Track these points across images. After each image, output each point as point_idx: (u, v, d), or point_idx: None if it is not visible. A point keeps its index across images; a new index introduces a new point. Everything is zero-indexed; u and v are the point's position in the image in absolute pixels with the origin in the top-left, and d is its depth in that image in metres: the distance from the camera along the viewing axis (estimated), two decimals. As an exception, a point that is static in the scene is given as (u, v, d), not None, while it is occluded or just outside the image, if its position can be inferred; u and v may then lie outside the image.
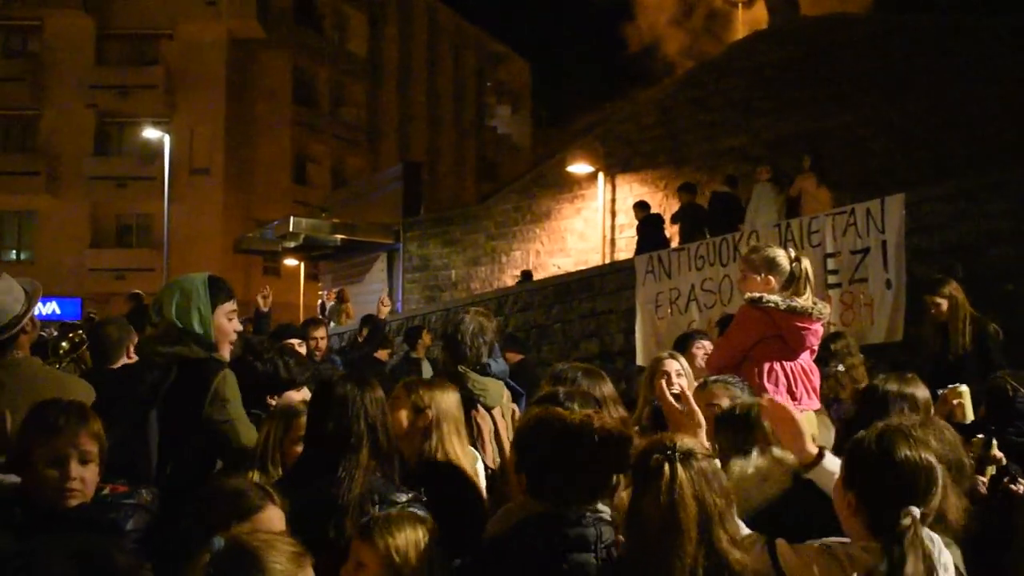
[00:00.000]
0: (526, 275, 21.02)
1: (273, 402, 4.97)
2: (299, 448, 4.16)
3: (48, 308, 36.47)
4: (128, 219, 43.24)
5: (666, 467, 3.03)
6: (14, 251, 43.59)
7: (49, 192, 41.87)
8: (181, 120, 40.96)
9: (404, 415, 4.42)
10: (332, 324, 21.99)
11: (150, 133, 35.67)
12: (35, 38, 42.99)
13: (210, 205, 41.66)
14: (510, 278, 23.94)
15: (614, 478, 3.39)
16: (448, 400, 4.51)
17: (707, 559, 2.98)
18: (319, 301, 26.34)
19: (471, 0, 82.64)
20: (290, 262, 34.79)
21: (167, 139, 32.96)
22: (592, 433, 3.33)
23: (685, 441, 3.14)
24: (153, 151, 38.86)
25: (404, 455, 4.21)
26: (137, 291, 18.17)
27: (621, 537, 3.28)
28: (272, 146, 45.00)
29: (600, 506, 3.37)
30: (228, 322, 4.43)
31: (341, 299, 22.64)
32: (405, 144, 52.47)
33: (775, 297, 5.43)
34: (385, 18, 52.31)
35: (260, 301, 10.14)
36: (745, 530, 3.23)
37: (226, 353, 4.41)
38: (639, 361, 13.02)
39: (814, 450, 3.56)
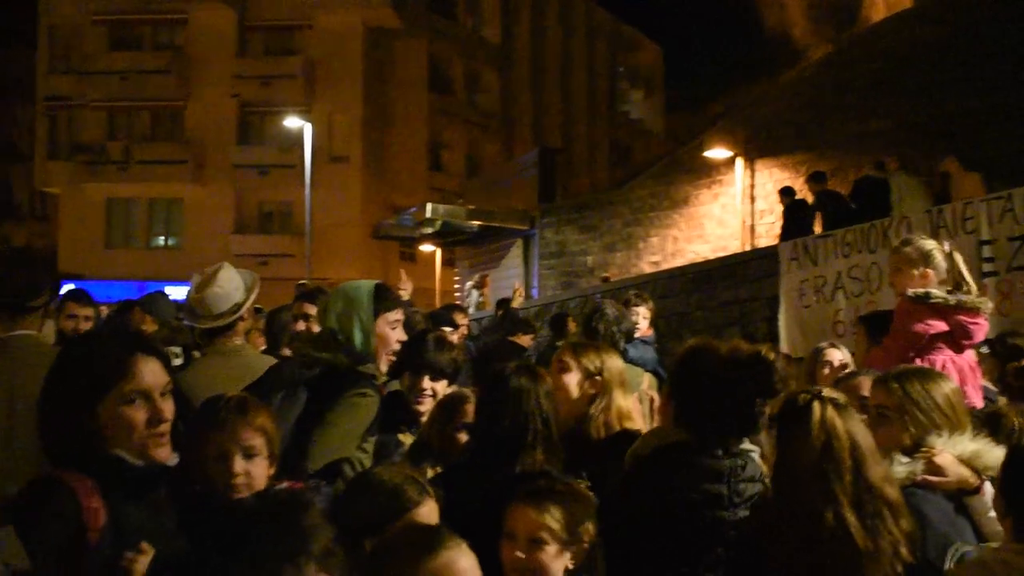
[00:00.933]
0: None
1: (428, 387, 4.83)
2: (463, 435, 4.20)
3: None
4: (270, 206, 44.39)
5: (816, 405, 3.06)
6: (162, 237, 45.17)
7: (195, 180, 43.24)
8: (320, 109, 41.76)
9: (575, 380, 4.31)
10: (471, 310, 22.26)
11: (291, 122, 36.49)
12: (181, 31, 44.39)
13: (349, 192, 42.43)
14: (647, 264, 23.82)
15: (762, 413, 3.40)
16: (617, 364, 4.45)
17: (863, 492, 2.99)
18: (466, 284, 26.51)
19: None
20: (426, 248, 35.19)
21: (308, 128, 33.66)
22: (739, 357, 3.39)
23: (827, 391, 3.18)
24: (294, 140, 39.81)
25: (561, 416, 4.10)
26: (303, 280, 18.68)
27: (766, 479, 3.32)
28: (408, 133, 45.61)
29: (747, 444, 3.41)
30: (391, 331, 4.25)
31: (481, 285, 22.86)
32: (539, 130, 52.56)
33: (942, 292, 5.29)
34: (518, 4, 52.43)
35: (401, 293, 9.82)
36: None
37: (383, 364, 4.28)
38: (783, 350, 12.84)
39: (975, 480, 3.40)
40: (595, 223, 25.62)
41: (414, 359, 4.81)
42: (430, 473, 3.97)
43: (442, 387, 4.83)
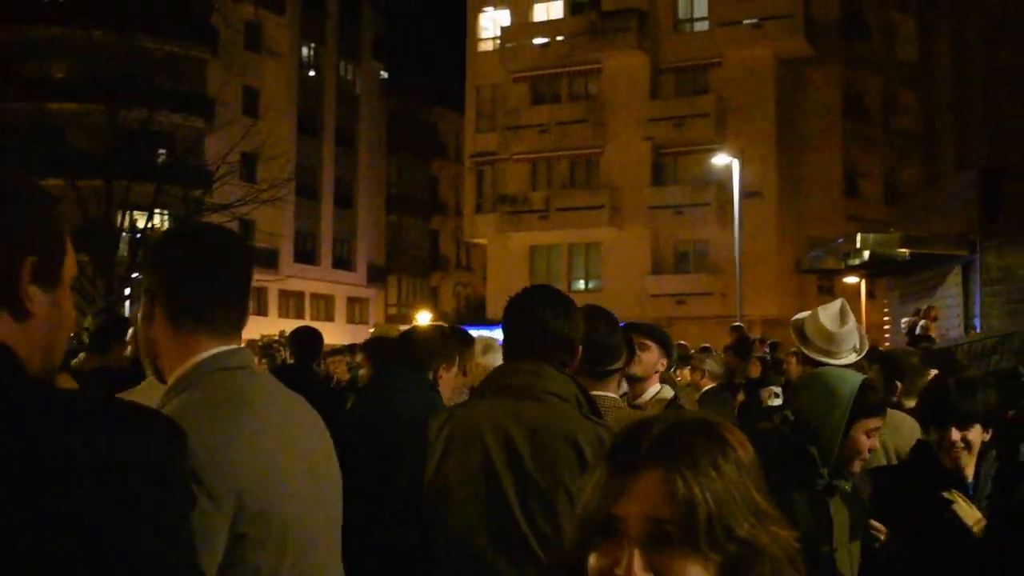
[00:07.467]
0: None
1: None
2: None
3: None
4: (685, 245, 44.70)
5: None
6: (582, 280, 46.60)
7: (612, 224, 44.31)
8: (732, 145, 41.44)
9: None
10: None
11: (719, 159, 36.36)
12: (595, 80, 45.83)
13: (764, 227, 41.79)
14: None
15: None
16: None
17: None
18: (902, 317, 25.28)
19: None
20: (850, 280, 33.99)
21: (735, 164, 33.65)
22: None
23: None
24: (706, 178, 39.97)
25: None
26: (738, 323, 18.85)
27: None
28: (822, 163, 44.42)
29: None
30: (865, 439, 3.71)
31: (927, 316, 21.60)
32: (963, 149, 49.56)
33: None
34: (937, 20, 49.70)
35: None
36: None
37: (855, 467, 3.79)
38: None
39: None
40: (1048, 245, 23.51)
41: (936, 410, 4.29)
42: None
43: (976, 434, 4.20)
